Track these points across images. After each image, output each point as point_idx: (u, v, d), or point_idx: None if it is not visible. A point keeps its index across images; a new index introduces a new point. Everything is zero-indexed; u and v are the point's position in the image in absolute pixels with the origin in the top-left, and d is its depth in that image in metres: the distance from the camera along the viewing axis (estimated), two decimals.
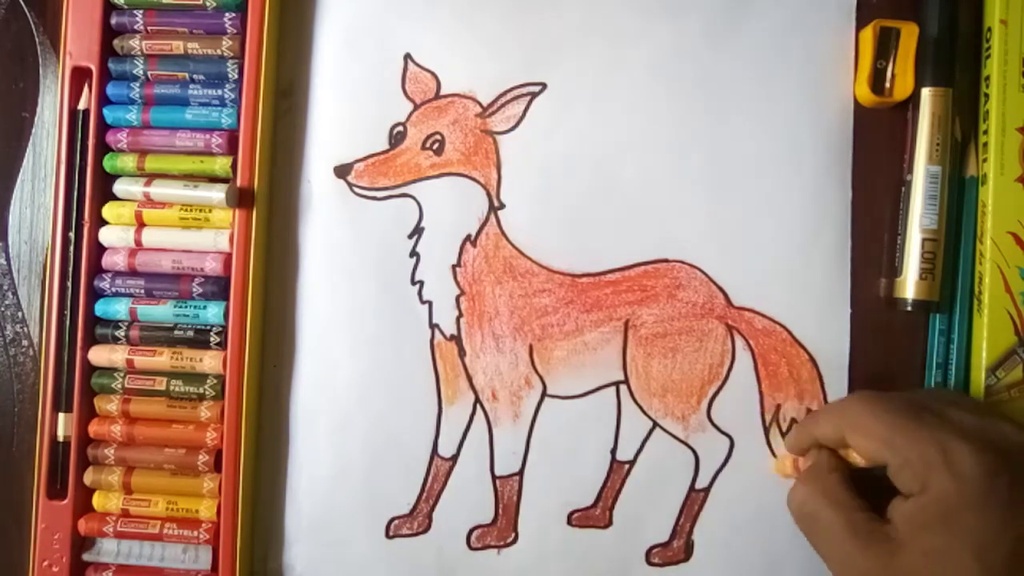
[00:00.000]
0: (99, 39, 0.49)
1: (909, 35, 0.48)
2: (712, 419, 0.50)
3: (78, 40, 0.49)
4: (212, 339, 0.49)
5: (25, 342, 0.52)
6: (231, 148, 0.49)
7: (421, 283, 0.50)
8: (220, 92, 0.49)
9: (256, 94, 0.48)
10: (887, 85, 0.48)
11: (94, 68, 0.49)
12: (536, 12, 0.51)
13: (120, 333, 0.49)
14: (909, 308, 0.48)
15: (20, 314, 0.52)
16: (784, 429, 0.49)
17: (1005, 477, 0.36)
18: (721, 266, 0.50)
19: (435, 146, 0.50)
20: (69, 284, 0.49)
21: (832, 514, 0.39)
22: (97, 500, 0.49)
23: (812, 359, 0.49)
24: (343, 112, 0.51)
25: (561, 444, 0.50)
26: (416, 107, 0.51)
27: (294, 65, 0.51)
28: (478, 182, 0.50)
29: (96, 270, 0.50)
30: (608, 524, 0.50)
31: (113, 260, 0.50)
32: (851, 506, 0.39)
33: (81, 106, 0.50)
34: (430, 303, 0.50)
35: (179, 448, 0.49)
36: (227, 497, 0.48)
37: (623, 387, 0.50)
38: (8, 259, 0.52)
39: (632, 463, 0.50)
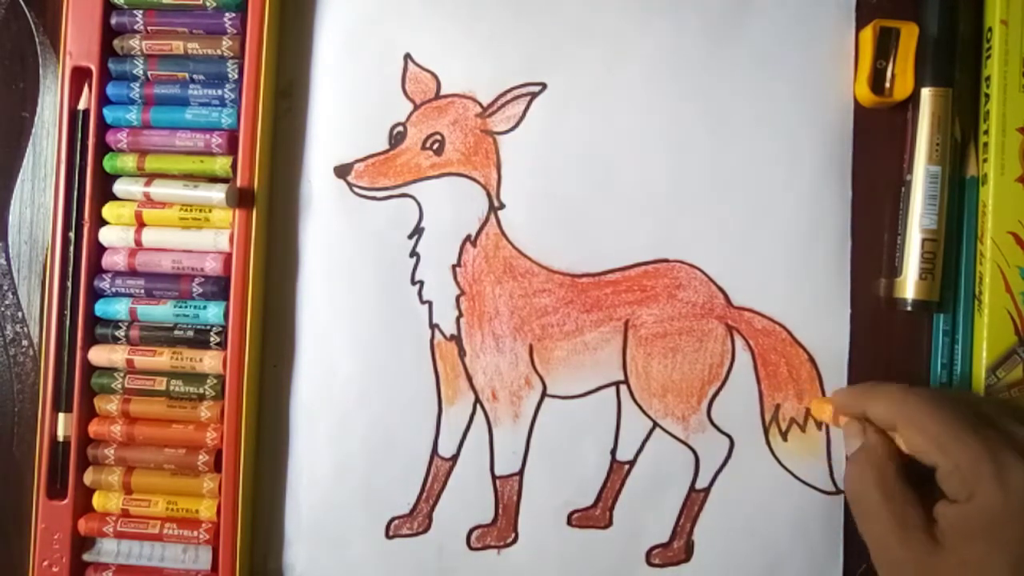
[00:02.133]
0: (99, 39, 0.49)
1: (909, 35, 0.48)
2: (712, 419, 0.50)
3: (78, 40, 0.49)
4: (212, 339, 0.49)
5: (25, 342, 0.52)
6: (231, 148, 0.49)
7: (421, 283, 0.50)
8: (220, 92, 0.49)
9: (256, 94, 0.48)
10: (887, 85, 0.48)
11: (94, 68, 0.49)
12: (536, 13, 0.51)
13: (120, 333, 0.49)
14: (909, 308, 0.48)
15: (20, 314, 0.52)
16: (783, 429, 0.49)
17: None
18: (721, 266, 0.50)
19: (435, 146, 0.50)
20: (69, 284, 0.49)
21: (885, 505, 0.39)
22: (97, 500, 0.49)
23: (812, 359, 0.49)
24: (343, 112, 0.51)
25: (561, 444, 0.50)
26: (416, 107, 0.51)
27: (294, 65, 0.51)
28: (478, 182, 0.50)
29: (96, 270, 0.50)
30: (608, 524, 0.50)
31: (113, 260, 0.50)
32: (903, 499, 0.39)
33: (81, 106, 0.50)
34: (430, 303, 0.50)
35: (179, 448, 0.49)
36: (227, 497, 0.48)
37: (623, 387, 0.50)
38: (8, 259, 0.52)
39: (632, 463, 0.50)
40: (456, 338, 0.50)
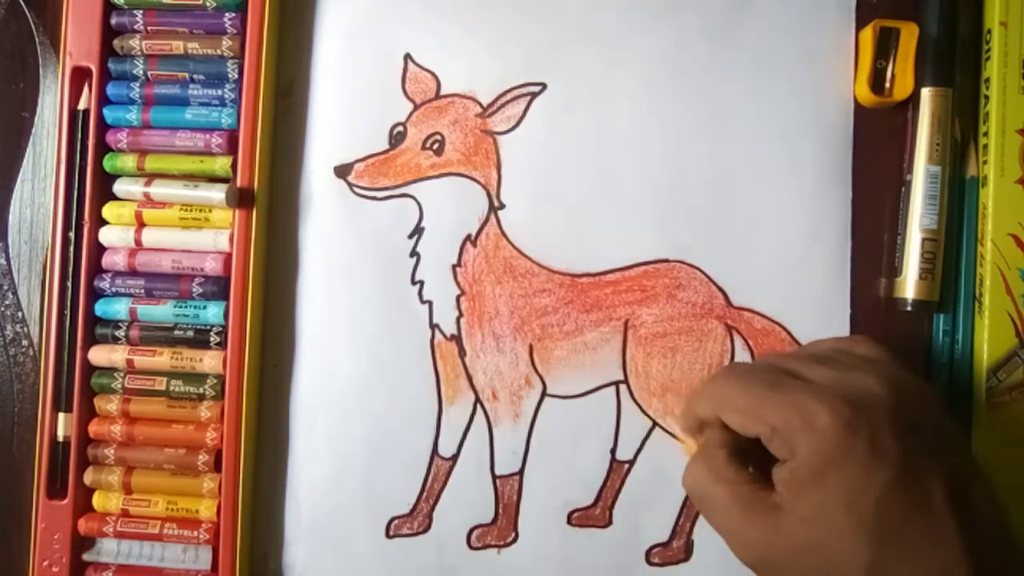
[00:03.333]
0: (99, 39, 0.49)
1: (909, 35, 0.48)
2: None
3: (78, 40, 0.49)
4: (212, 339, 0.49)
5: (25, 342, 0.52)
6: (231, 148, 0.49)
7: (421, 283, 0.50)
8: (220, 92, 0.49)
9: (256, 94, 0.48)
10: (887, 85, 0.48)
11: (94, 68, 0.49)
12: (536, 13, 0.51)
13: (120, 333, 0.49)
14: (909, 308, 0.48)
15: (20, 314, 0.52)
16: None
17: (863, 429, 0.36)
18: (721, 266, 0.50)
19: (435, 146, 0.50)
20: (69, 284, 0.49)
21: (719, 490, 0.39)
22: (97, 500, 0.49)
23: None
24: (343, 112, 0.51)
25: (561, 444, 0.50)
26: (416, 107, 0.51)
27: (294, 65, 0.51)
28: (478, 182, 0.50)
29: (96, 270, 0.50)
30: (608, 524, 0.50)
31: (113, 260, 0.49)
32: (736, 480, 0.39)
33: (81, 106, 0.50)
34: (430, 303, 0.50)
35: (179, 448, 0.49)
36: (227, 497, 0.48)
37: (623, 387, 0.50)
38: (8, 259, 0.52)
39: (632, 463, 0.50)
40: (456, 338, 0.50)
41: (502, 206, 0.50)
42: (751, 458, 0.40)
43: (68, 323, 0.49)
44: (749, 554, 0.39)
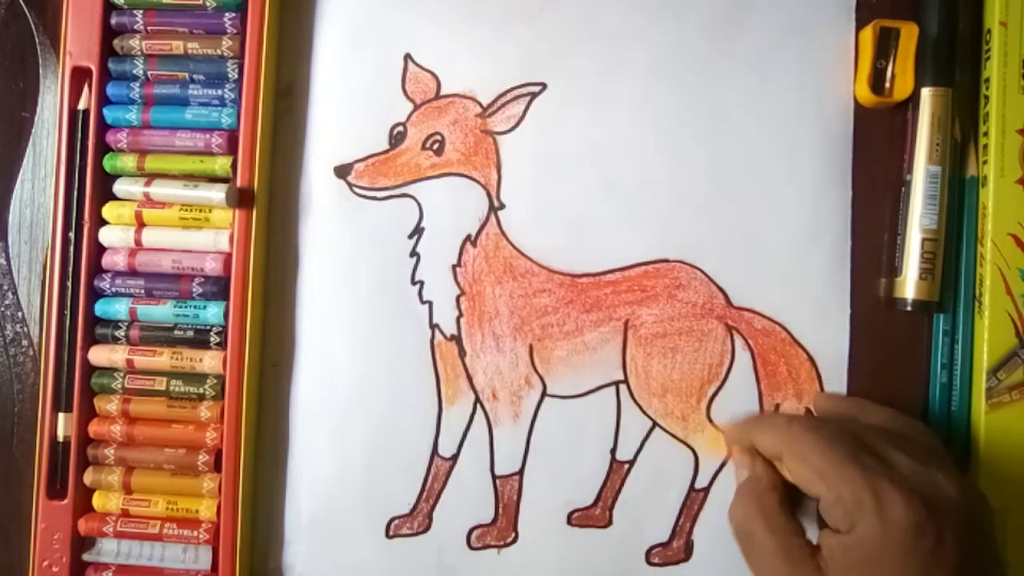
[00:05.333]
0: (99, 39, 0.49)
1: (909, 35, 0.48)
2: (712, 419, 0.50)
3: (78, 40, 0.49)
4: (212, 339, 0.49)
5: (25, 342, 0.52)
6: (231, 148, 0.49)
7: (421, 283, 0.50)
8: (220, 92, 0.49)
9: (256, 94, 0.48)
10: (887, 85, 0.48)
11: (94, 68, 0.49)
12: (536, 13, 0.51)
13: (120, 333, 0.49)
14: (909, 308, 0.48)
15: (20, 314, 0.52)
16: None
17: (931, 531, 0.36)
18: (721, 266, 0.50)
19: (435, 146, 0.50)
20: (69, 284, 0.49)
21: (768, 536, 0.39)
22: (97, 500, 0.49)
23: (811, 359, 0.49)
24: (343, 112, 0.51)
25: (561, 444, 0.50)
26: (416, 107, 0.51)
27: (294, 65, 0.51)
28: (478, 182, 0.50)
29: (96, 270, 0.50)
30: (608, 524, 0.50)
31: (113, 260, 0.50)
32: (786, 530, 0.39)
33: (81, 106, 0.50)
34: (430, 303, 0.50)
35: (179, 448, 0.49)
36: (227, 497, 0.48)
37: (623, 387, 0.50)
38: (8, 259, 0.52)
39: (632, 463, 0.50)
40: (456, 338, 0.50)
41: (502, 206, 0.50)
42: (795, 504, 0.41)
43: (68, 323, 0.49)
44: None
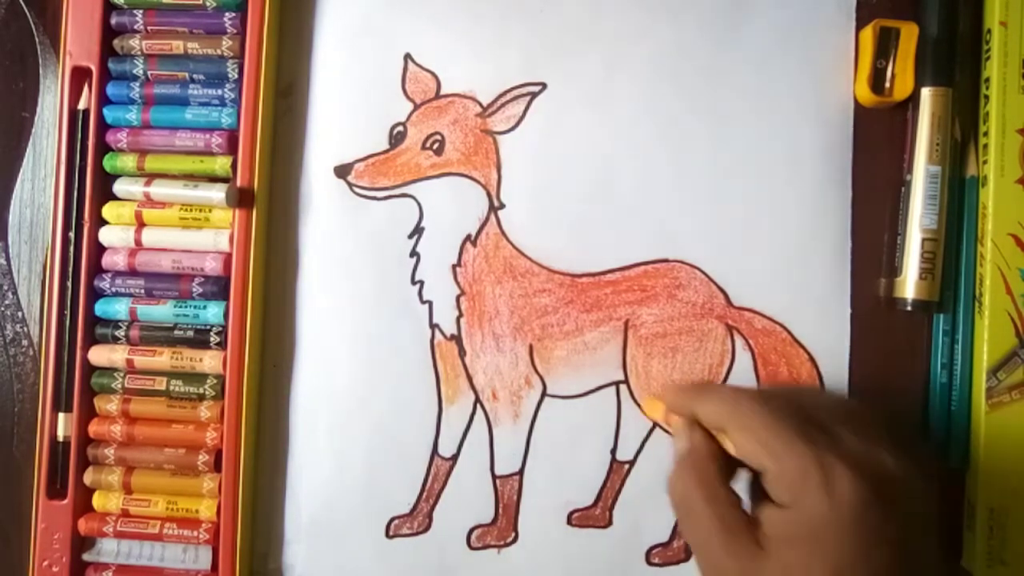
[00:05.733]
0: (99, 39, 0.49)
1: (909, 35, 0.48)
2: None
3: (78, 40, 0.49)
4: (212, 339, 0.49)
5: (25, 342, 0.52)
6: (231, 148, 0.49)
7: (421, 283, 0.50)
8: (220, 92, 0.49)
9: (256, 94, 0.48)
10: (887, 85, 0.48)
11: (94, 68, 0.49)
12: (536, 12, 0.51)
13: (120, 333, 0.49)
14: (909, 308, 0.48)
15: (20, 314, 0.52)
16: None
17: (876, 508, 0.36)
18: (721, 266, 0.50)
19: (435, 146, 0.50)
20: (69, 284, 0.49)
21: (706, 507, 0.38)
22: (97, 500, 0.49)
23: (812, 359, 0.49)
24: (343, 112, 0.51)
25: (561, 444, 0.50)
26: (416, 107, 0.51)
27: (294, 65, 0.51)
28: (478, 182, 0.50)
29: (96, 270, 0.50)
30: (608, 524, 0.50)
31: (113, 260, 0.50)
32: (725, 501, 0.39)
33: (81, 106, 0.50)
34: (430, 303, 0.50)
35: (179, 448, 0.49)
36: (227, 497, 0.48)
37: (623, 387, 0.50)
38: (8, 259, 0.52)
39: (632, 463, 0.50)
40: (456, 338, 0.50)
41: (502, 206, 0.50)
42: (732, 475, 0.40)
43: (68, 323, 0.49)
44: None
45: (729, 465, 0.40)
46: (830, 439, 0.38)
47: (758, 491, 0.39)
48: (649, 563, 0.49)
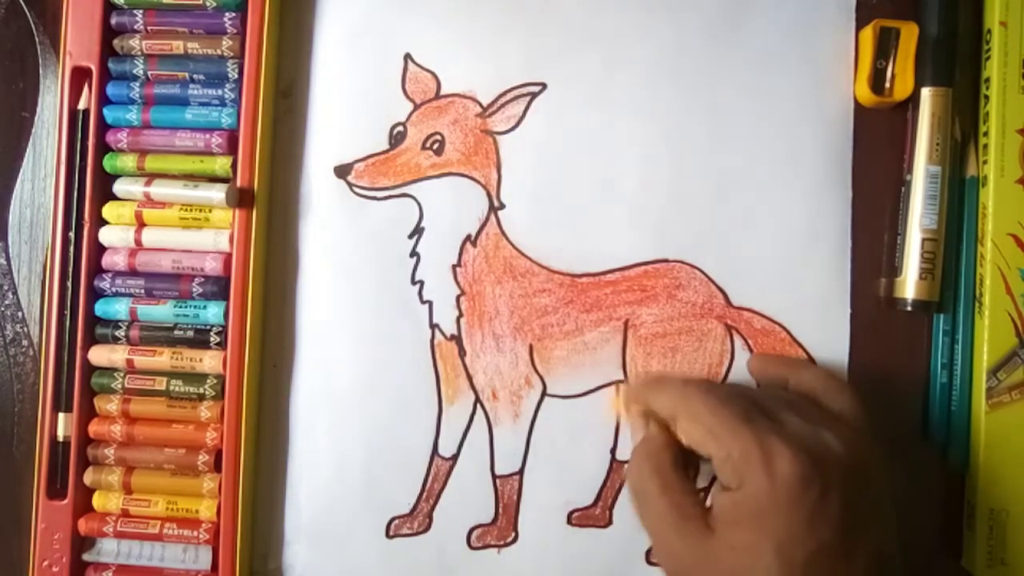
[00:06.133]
0: (99, 39, 0.49)
1: (909, 35, 0.48)
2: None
3: (78, 40, 0.49)
4: (212, 339, 0.49)
5: (25, 342, 0.52)
6: (231, 148, 0.49)
7: (421, 283, 0.50)
8: (220, 92, 0.49)
9: (256, 94, 0.48)
10: (887, 85, 0.48)
11: (94, 68, 0.49)
12: (536, 12, 0.51)
13: (120, 333, 0.49)
14: (909, 308, 0.48)
15: (20, 314, 0.52)
16: None
17: (817, 486, 0.37)
18: (721, 266, 0.50)
19: (435, 146, 0.50)
20: (69, 284, 0.49)
21: (660, 495, 0.40)
22: (97, 500, 0.49)
23: (811, 359, 0.49)
24: (343, 112, 0.51)
25: (561, 444, 0.50)
26: (416, 107, 0.51)
27: (294, 65, 0.51)
28: (478, 182, 0.50)
29: (96, 270, 0.50)
30: (608, 523, 0.50)
31: (113, 260, 0.50)
32: (679, 489, 0.40)
33: (81, 106, 0.50)
34: (430, 303, 0.50)
35: (179, 448, 0.49)
36: (227, 497, 0.48)
37: (622, 387, 0.50)
38: (8, 259, 0.52)
39: None
40: (456, 338, 0.50)
41: (502, 206, 0.50)
42: (689, 466, 0.41)
43: (68, 323, 0.49)
44: (672, 564, 0.40)
45: (684, 455, 0.41)
46: (773, 423, 0.39)
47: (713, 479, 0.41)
48: (649, 562, 0.49)
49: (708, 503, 0.40)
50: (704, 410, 0.40)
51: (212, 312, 0.49)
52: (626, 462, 0.50)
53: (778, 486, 0.37)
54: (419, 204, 0.51)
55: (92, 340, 0.50)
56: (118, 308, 0.49)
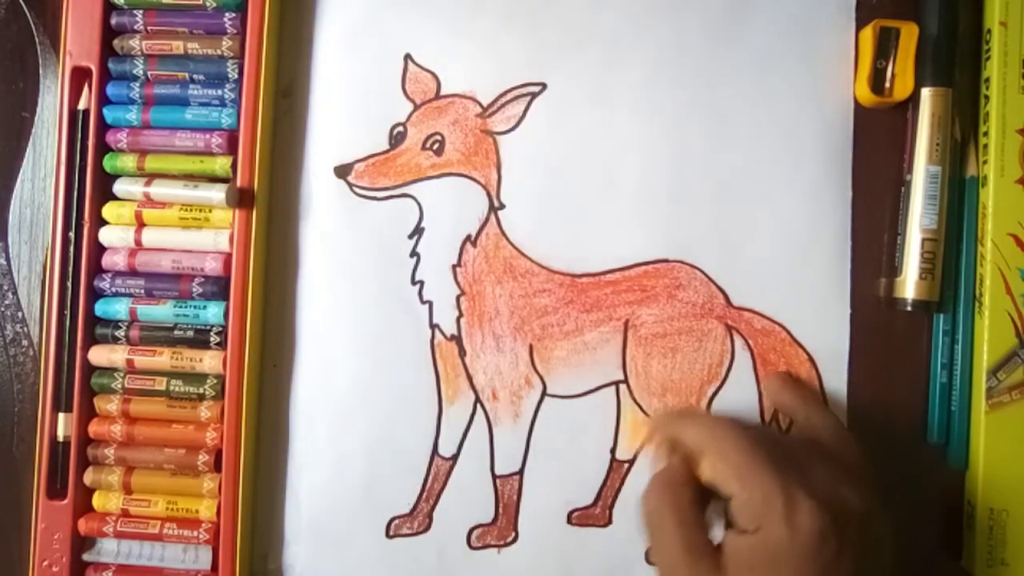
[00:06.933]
0: (99, 39, 0.49)
1: (909, 35, 0.48)
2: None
3: (78, 40, 0.49)
4: (212, 339, 0.49)
5: (25, 342, 0.52)
6: (231, 148, 0.49)
7: (421, 283, 0.50)
8: (220, 92, 0.49)
9: (256, 94, 0.48)
10: (887, 85, 0.48)
11: (94, 68, 0.49)
12: (536, 12, 0.51)
13: (120, 333, 0.49)
14: (909, 308, 0.48)
15: (20, 314, 0.52)
16: (784, 428, 0.49)
17: (834, 542, 0.37)
18: (721, 266, 0.50)
19: (435, 146, 0.50)
20: (69, 284, 0.49)
21: (676, 528, 0.40)
22: (97, 500, 0.49)
23: (811, 359, 0.49)
24: (343, 112, 0.51)
25: (561, 444, 0.50)
26: (416, 107, 0.51)
27: (294, 65, 0.51)
28: (478, 182, 0.50)
29: (96, 270, 0.50)
30: (608, 523, 0.50)
31: (113, 260, 0.50)
32: (694, 524, 0.40)
33: (81, 106, 0.50)
34: (430, 303, 0.50)
35: (179, 448, 0.49)
36: (227, 497, 0.48)
37: (623, 387, 0.50)
38: (8, 259, 0.52)
39: (632, 462, 0.50)
40: (456, 338, 0.50)
41: (502, 206, 0.50)
42: (705, 504, 0.41)
43: (68, 323, 0.49)
44: None
45: (702, 493, 0.41)
46: (800, 473, 0.39)
47: (726, 521, 0.41)
48: (649, 562, 0.49)
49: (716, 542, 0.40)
50: (734, 449, 0.40)
51: (212, 312, 0.49)
52: (627, 462, 0.50)
53: (797, 538, 0.37)
54: (419, 204, 0.51)
55: (92, 340, 0.50)
56: (118, 308, 0.49)
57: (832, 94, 0.50)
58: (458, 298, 0.50)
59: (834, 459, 0.43)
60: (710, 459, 0.41)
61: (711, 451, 0.41)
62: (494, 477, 0.50)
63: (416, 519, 0.50)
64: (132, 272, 0.50)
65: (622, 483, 0.50)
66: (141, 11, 0.49)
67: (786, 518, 0.37)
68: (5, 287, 0.52)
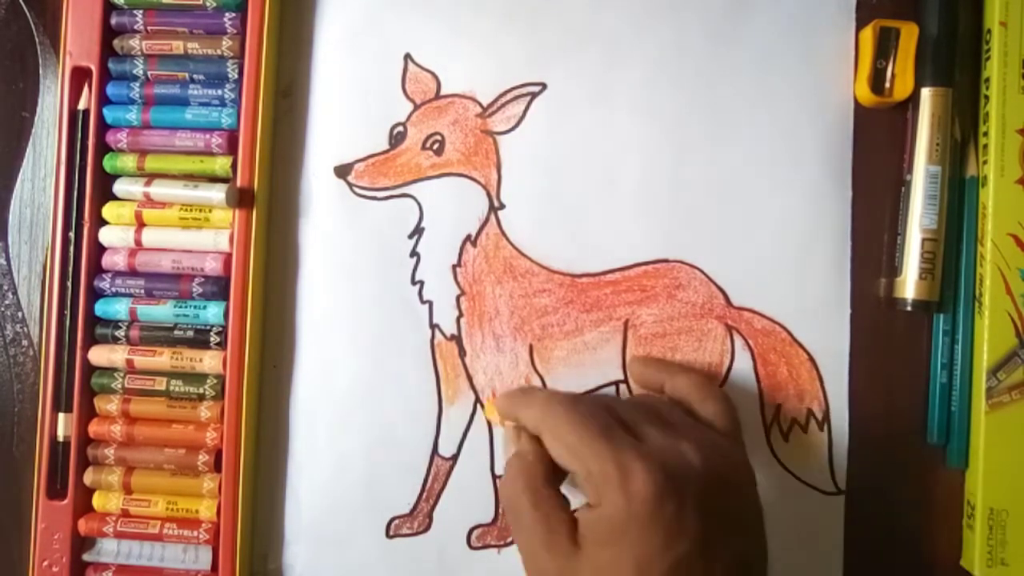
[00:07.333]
0: (99, 39, 0.49)
1: (909, 35, 0.48)
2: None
3: (78, 40, 0.49)
4: (212, 339, 0.49)
5: (25, 342, 0.52)
6: (231, 148, 0.49)
7: (421, 283, 0.50)
8: (220, 92, 0.49)
9: (256, 94, 0.48)
10: (887, 85, 0.48)
11: (94, 68, 0.49)
12: (536, 12, 0.51)
13: (120, 333, 0.49)
14: (909, 308, 0.48)
15: (20, 314, 0.52)
16: (784, 429, 0.49)
17: (672, 502, 0.37)
18: (721, 266, 0.50)
19: (435, 146, 0.50)
20: (69, 284, 0.49)
21: (532, 510, 0.40)
22: (97, 500, 0.49)
23: (811, 359, 0.49)
24: (343, 112, 0.51)
25: None
26: (416, 107, 0.51)
27: (294, 65, 0.51)
28: (478, 182, 0.50)
29: (96, 270, 0.50)
30: None
31: (113, 260, 0.50)
32: (550, 504, 0.40)
33: (81, 106, 0.50)
34: (430, 303, 0.50)
35: (179, 448, 0.49)
36: (227, 497, 0.48)
37: (623, 387, 0.50)
38: (8, 259, 0.52)
39: None
40: (456, 338, 0.50)
41: (502, 206, 0.50)
42: (560, 478, 0.41)
43: (68, 323, 0.49)
44: None
45: (556, 468, 0.41)
46: (633, 438, 0.39)
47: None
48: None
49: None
50: (565, 427, 0.40)
51: (212, 312, 0.49)
52: None
53: (634, 504, 0.37)
54: (419, 204, 0.51)
55: (92, 340, 0.50)
56: (118, 308, 0.49)
57: (832, 94, 0.50)
58: (458, 298, 0.50)
59: (682, 413, 0.43)
60: (547, 441, 0.41)
61: (545, 431, 0.41)
62: (494, 477, 0.50)
63: (416, 519, 0.50)
64: (132, 272, 0.50)
65: None
66: (141, 11, 0.49)
67: (621, 487, 0.37)
68: (5, 287, 0.52)
